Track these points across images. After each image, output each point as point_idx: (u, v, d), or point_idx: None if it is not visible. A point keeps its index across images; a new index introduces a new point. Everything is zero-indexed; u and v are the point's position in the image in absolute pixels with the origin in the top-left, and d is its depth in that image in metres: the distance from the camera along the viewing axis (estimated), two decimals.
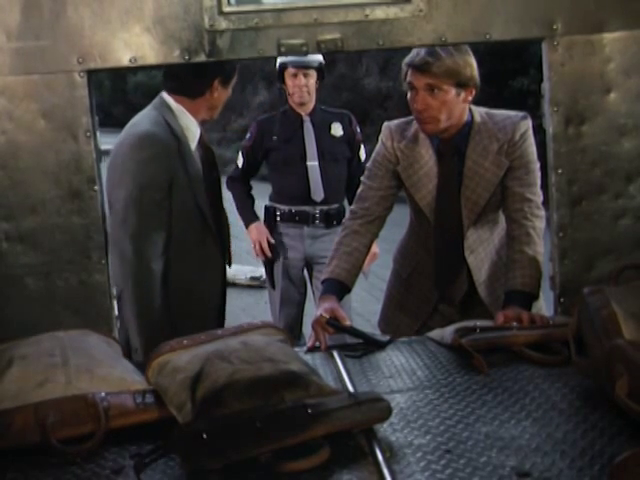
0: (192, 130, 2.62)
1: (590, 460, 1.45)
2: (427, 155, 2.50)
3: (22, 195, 2.17)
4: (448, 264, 2.58)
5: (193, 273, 2.61)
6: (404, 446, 1.56)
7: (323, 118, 4.13)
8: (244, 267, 7.65)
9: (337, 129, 4.14)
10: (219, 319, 2.75)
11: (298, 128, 4.08)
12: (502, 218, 2.53)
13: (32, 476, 1.53)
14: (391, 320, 2.73)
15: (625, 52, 2.23)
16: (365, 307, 5.73)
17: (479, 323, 2.18)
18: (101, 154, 2.26)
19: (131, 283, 2.45)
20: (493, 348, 2.06)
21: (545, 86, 2.29)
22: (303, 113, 4.09)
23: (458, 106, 2.41)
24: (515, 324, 2.15)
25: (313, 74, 4.04)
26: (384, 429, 1.63)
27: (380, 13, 2.15)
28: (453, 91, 2.37)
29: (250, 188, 4.23)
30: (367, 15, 2.15)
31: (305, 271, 4.20)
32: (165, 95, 2.63)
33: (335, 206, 4.10)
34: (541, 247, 2.39)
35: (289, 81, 4.02)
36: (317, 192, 4.04)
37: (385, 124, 2.60)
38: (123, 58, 2.14)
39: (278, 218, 4.10)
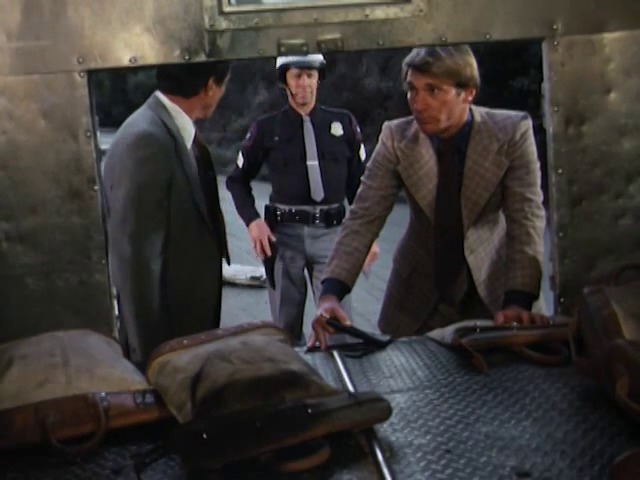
0: (187, 129, 2.63)
1: (590, 460, 1.45)
2: (427, 155, 2.50)
3: (22, 195, 2.17)
4: (448, 264, 2.58)
5: (191, 272, 2.61)
6: (404, 446, 1.56)
7: (323, 118, 4.13)
8: (244, 267, 7.66)
9: (337, 129, 4.14)
10: (215, 318, 2.74)
11: (298, 128, 4.08)
12: (502, 218, 2.54)
13: (32, 476, 1.53)
14: (391, 320, 2.73)
15: (625, 52, 2.23)
16: (365, 307, 5.73)
17: (479, 323, 2.18)
18: (101, 154, 2.26)
19: (130, 283, 2.45)
20: (493, 348, 2.06)
21: (545, 86, 2.28)
22: (303, 113, 4.09)
23: (458, 106, 2.41)
24: (515, 324, 2.15)
25: (315, 74, 4.04)
26: (384, 429, 1.63)
27: (380, 13, 2.15)
28: (453, 91, 2.37)
29: (250, 189, 4.23)
30: (367, 15, 2.15)
31: (305, 271, 4.20)
32: (160, 95, 2.63)
33: (335, 206, 4.10)
34: (541, 247, 2.39)
35: (292, 81, 4.02)
36: (317, 192, 4.04)
37: (385, 124, 2.61)
38: (123, 58, 2.14)
39: (278, 218, 4.10)
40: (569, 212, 2.29)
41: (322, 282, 2.51)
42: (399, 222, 2.79)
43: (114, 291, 2.37)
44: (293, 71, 3.99)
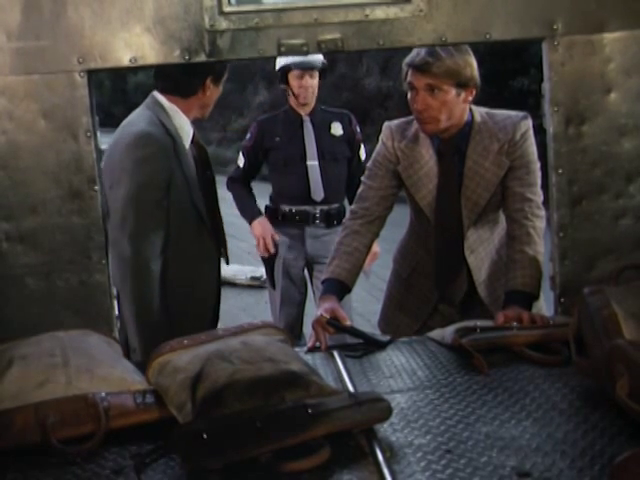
0: (185, 129, 2.63)
1: (590, 460, 1.45)
2: (427, 155, 2.50)
3: (22, 195, 2.17)
4: (448, 264, 2.58)
5: (190, 272, 2.61)
6: (404, 446, 1.56)
7: (323, 118, 4.14)
8: (244, 267, 7.66)
9: (337, 129, 4.14)
10: (214, 317, 2.75)
11: (298, 128, 4.09)
12: (502, 218, 2.54)
13: (32, 476, 1.53)
14: (391, 320, 2.73)
15: (625, 52, 2.23)
16: (365, 307, 5.73)
17: (479, 323, 2.18)
18: (101, 154, 2.26)
19: (130, 283, 2.46)
20: (493, 348, 2.06)
21: (545, 86, 2.28)
22: (303, 113, 4.09)
23: (458, 106, 2.41)
24: (515, 324, 2.15)
25: (316, 74, 4.05)
26: (384, 429, 1.63)
27: (380, 13, 2.15)
28: (453, 91, 2.37)
29: (251, 188, 4.23)
30: (367, 15, 2.15)
31: (305, 271, 4.20)
32: (157, 95, 2.63)
33: (335, 206, 4.10)
34: (541, 247, 2.39)
35: (294, 82, 4.02)
36: (317, 192, 4.04)
37: (385, 124, 2.61)
38: (123, 58, 2.14)
39: (279, 218, 4.10)
40: (569, 212, 2.29)
41: (322, 282, 2.51)
42: (399, 222, 2.79)
43: (114, 291, 2.37)
44: (295, 72, 4.00)
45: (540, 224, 2.41)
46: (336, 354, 2.16)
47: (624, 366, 1.55)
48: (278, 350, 1.75)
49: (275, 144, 4.08)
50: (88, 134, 2.16)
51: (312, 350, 2.26)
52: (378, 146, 2.58)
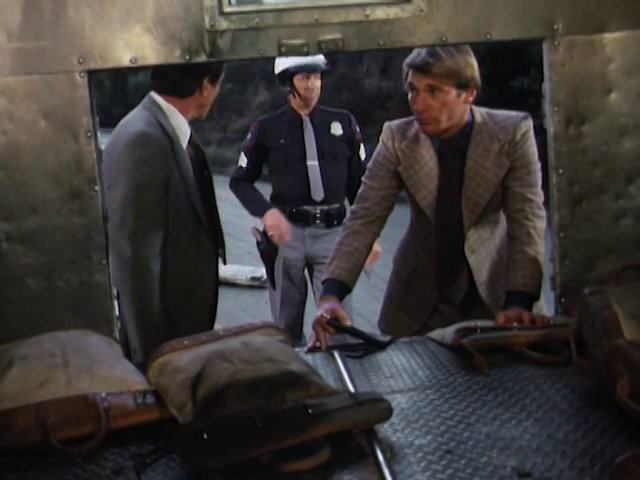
0: (183, 130, 2.63)
1: (591, 460, 1.45)
2: (428, 155, 2.50)
3: (23, 195, 2.17)
4: (449, 264, 2.58)
5: (188, 272, 2.61)
6: (405, 446, 1.56)
7: (323, 118, 4.14)
8: (244, 267, 7.66)
9: (337, 128, 4.15)
10: (211, 317, 2.75)
11: (298, 128, 4.09)
12: (503, 218, 2.53)
13: (33, 476, 1.53)
14: (391, 320, 2.73)
15: (626, 52, 2.23)
16: (366, 307, 5.73)
17: (480, 323, 2.18)
18: (102, 154, 2.26)
19: (129, 283, 2.46)
20: (494, 348, 2.06)
21: (546, 86, 2.28)
22: (303, 113, 4.10)
23: (459, 107, 2.41)
24: (516, 324, 2.15)
25: (319, 75, 4.07)
26: (385, 429, 1.63)
27: (381, 13, 2.15)
28: (454, 92, 2.37)
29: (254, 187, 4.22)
30: (368, 15, 2.15)
31: (306, 271, 4.20)
32: (155, 95, 2.63)
33: (335, 206, 4.10)
34: (542, 247, 2.39)
35: (301, 84, 4.02)
36: (317, 192, 4.04)
37: (386, 124, 2.61)
38: (124, 58, 2.14)
39: None
40: (570, 212, 2.29)
41: (322, 282, 2.51)
42: (399, 222, 2.79)
43: (115, 291, 2.37)
44: (301, 74, 4.00)
45: (540, 224, 2.41)
46: (336, 354, 2.16)
47: (624, 366, 1.55)
48: (278, 350, 1.75)
49: (275, 144, 4.08)
50: (88, 134, 2.16)
51: (312, 350, 2.26)
52: (378, 146, 2.58)
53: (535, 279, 2.34)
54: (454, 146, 2.49)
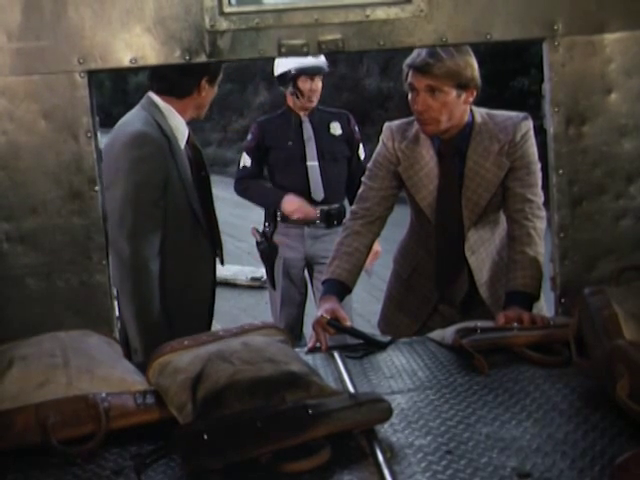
0: (181, 130, 2.63)
1: (591, 461, 1.45)
2: (428, 156, 2.50)
3: (23, 195, 2.17)
4: (449, 264, 2.58)
5: (185, 273, 2.61)
6: (405, 447, 1.56)
7: (321, 118, 4.15)
8: (245, 268, 7.66)
9: (336, 128, 4.15)
10: (208, 318, 2.75)
11: (297, 129, 4.10)
12: (503, 219, 2.54)
13: (33, 476, 1.54)
14: (391, 320, 2.73)
15: (626, 53, 2.23)
16: (366, 307, 5.73)
17: (480, 324, 2.18)
18: (102, 154, 2.26)
19: (129, 283, 2.46)
20: (494, 349, 2.06)
21: (546, 87, 2.28)
22: (302, 114, 4.10)
23: (459, 107, 2.41)
24: (516, 325, 2.15)
25: (321, 77, 4.08)
26: (385, 430, 1.63)
27: (381, 13, 2.15)
28: (454, 92, 2.37)
29: None
30: (368, 15, 2.15)
31: (306, 271, 4.20)
32: (153, 95, 2.63)
33: (335, 206, 4.10)
34: (542, 248, 2.39)
35: (305, 85, 4.03)
36: (317, 192, 4.04)
37: (386, 124, 2.61)
38: (124, 59, 2.14)
39: (279, 218, 4.10)
40: (570, 213, 2.29)
41: (323, 283, 2.52)
42: (400, 222, 2.79)
43: (115, 292, 2.37)
44: (305, 76, 4.01)
45: (541, 225, 2.41)
46: (336, 355, 2.16)
47: (624, 366, 1.55)
48: (278, 351, 1.75)
49: (275, 145, 4.09)
50: (88, 134, 2.16)
51: (312, 351, 2.26)
52: (378, 147, 2.58)
53: (535, 279, 2.34)
54: (454, 146, 2.49)
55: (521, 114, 2.49)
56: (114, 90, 23.04)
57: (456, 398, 1.80)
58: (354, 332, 2.34)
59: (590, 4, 2.19)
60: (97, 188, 2.19)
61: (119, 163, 2.49)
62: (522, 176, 2.43)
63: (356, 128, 4.24)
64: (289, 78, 4.03)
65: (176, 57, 2.15)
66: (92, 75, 2.16)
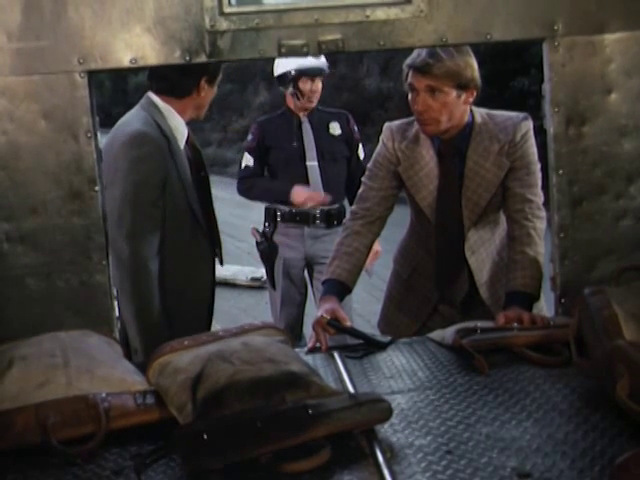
0: (180, 130, 2.63)
1: (591, 461, 1.45)
2: (428, 156, 2.50)
3: (23, 196, 2.17)
4: (449, 265, 2.58)
5: (185, 272, 2.61)
6: (405, 447, 1.56)
7: (321, 118, 4.15)
8: (244, 268, 7.65)
9: (335, 128, 4.16)
10: (208, 318, 2.75)
11: (297, 129, 4.10)
12: (503, 219, 2.53)
13: (33, 476, 1.54)
14: (391, 321, 2.73)
15: (626, 53, 2.23)
16: (366, 308, 5.73)
17: (480, 324, 2.18)
18: (102, 154, 2.26)
19: (129, 283, 2.46)
20: (494, 349, 2.06)
21: (546, 87, 2.28)
22: (301, 114, 4.10)
23: (459, 107, 2.41)
24: (516, 325, 2.15)
25: (321, 77, 4.08)
26: (385, 430, 1.63)
27: (381, 14, 2.15)
28: (454, 93, 2.37)
29: None
30: (368, 16, 2.15)
31: (306, 271, 4.20)
32: (152, 95, 2.63)
33: (335, 206, 4.10)
34: (542, 248, 2.39)
35: (306, 86, 4.03)
36: (317, 192, 4.04)
37: (386, 125, 2.61)
38: (124, 59, 2.14)
39: (279, 218, 4.10)
40: (570, 213, 2.29)
41: (323, 283, 2.52)
42: (400, 223, 2.79)
43: (115, 292, 2.37)
44: (306, 77, 4.01)
45: (541, 225, 2.41)
46: (336, 355, 2.16)
47: (624, 367, 1.55)
48: (278, 351, 1.75)
49: (275, 145, 4.09)
50: (88, 135, 2.16)
51: (312, 351, 2.26)
52: (378, 147, 2.58)
53: (535, 279, 2.34)
54: (454, 147, 2.49)
55: (521, 114, 2.49)
56: (114, 90, 23.03)
57: (456, 398, 1.80)
58: (354, 332, 2.34)
59: (590, 4, 2.19)
60: (97, 188, 2.19)
61: (118, 163, 2.49)
62: (522, 176, 2.43)
63: (355, 128, 4.24)
64: (289, 79, 4.03)
65: (176, 57, 2.15)
66: (92, 75, 2.16)
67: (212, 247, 2.73)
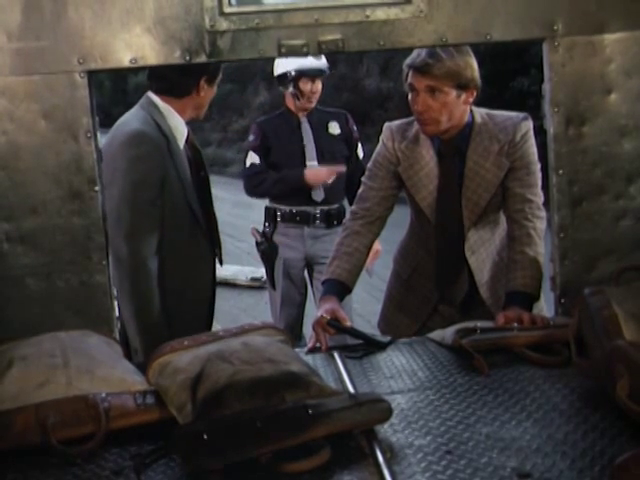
0: (180, 130, 2.63)
1: (591, 461, 1.45)
2: (428, 156, 2.50)
3: (23, 196, 2.17)
4: (449, 265, 2.58)
5: (185, 272, 2.61)
6: (405, 447, 1.56)
7: (320, 118, 4.16)
8: (244, 268, 7.66)
9: (334, 128, 4.16)
10: (208, 318, 2.75)
11: (296, 129, 4.11)
12: (503, 219, 2.53)
13: (32, 476, 1.54)
14: (391, 321, 2.73)
15: (626, 53, 2.23)
16: (366, 308, 5.73)
17: (480, 324, 2.18)
18: (101, 154, 2.26)
19: (128, 283, 2.46)
20: (494, 349, 2.06)
21: (546, 87, 2.28)
22: (300, 114, 4.11)
23: (459, 107, 2.41)
24: (516, 325, 2.15)
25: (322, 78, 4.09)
26: (385, 430, 1.63)
27: (381, 14, 2.15)
28: (454, 93, 2.37)
29: None
30: (368, 16, 2.15)
31: (306, 271, 4.20)
32: (152, 95, 2.64)
33: (335, 206, 4.11)
34: (542, 248, 2.39)
35: (306, 87, 4.04)
36: (317, 192, 4.05)
37: (386, 125, 2.61)
38: (124, 59, 2.14)
39: (279, 218, 4.10)
40: (570, 213, 2.29)
41: (322, 283, 2.52)
42: (399, 223, 2.79)
43: (115, 292, 2.37)
44: (307, 77, 4.01)
45: (540, 225, 2.41)
46: (336, 355, 2.16)
47: (624, 367, 1.55)
48: (278, 351, 1.75)
49: (275, 145, 4.09)
50: (88, 135, 2.16)
51: (312, 351, 2.26)
52: (378, 147, 2.58)
53: (535, 280, 2.34)
54: (454, 147, 2.49)
55: (521, 114, 2.49)
56: (114, 90, 23.04)
57: (456, 398, 1.80)
58: (354, 332, 2.34)
59: (590, 4, 2.19)
60: (97, 188, 2.19)
61: (117, 162, 2.49)
62: (522, 176, 2.43)
63: (354, 127, 4.25)
64: (290, 79, 4.03)
65: (176, 57, 2.15)
66: (92, 75, 2.16)
67: (212, 247, 2.73)
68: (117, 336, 2.29)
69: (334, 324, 2.30)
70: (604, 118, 2.26)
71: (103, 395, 1.66)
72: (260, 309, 6.45)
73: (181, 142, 2.63)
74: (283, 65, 4.02)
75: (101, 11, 2.11)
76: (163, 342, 1.86)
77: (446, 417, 1.70)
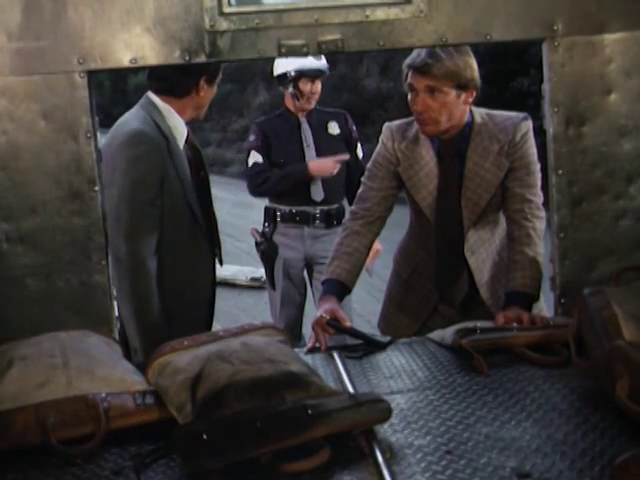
0: (180, 129, 2.63)
1: (590, 461, 1.45)
2: (428, 156, 2.50)
3: (22, 196, 2.17)
4: (449, 265, 2.58)
5: (185, 272, 2.61)
6: (404, 447, 1.56)
7: (319, 118, 4.16)
8: (244, 268, 7.65)
9: (334, 128, 4.16)
10: (208, 318, 2.75)
11: (296, 129, 4.11)
12: (503, 219, 2.53)
13: (32, 476, 1.54)
14: (391, 321, 2.73)
15: (626, 53, 2.23)
16: (365, 308, 5.73)
17: (479, 324, 2.18)
18: (101, 154, 2.26)
19: (127, 283, 2.46)
20: (494, 349, 2.06)
21: (545, 87, 2.28)
22: (300, 114, 4.11)
23: (458, 108, 2.41)
24: (515, 325, 2.15)
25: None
26: (384, 430, 1.63)
27: (381, 14, 2.15)
28: (453, 93, 2.37)
29: None
30: (368, 16, 2.15)
31: (305, 271, 4.20)
32: (152, 95, 2.64)
33: (335, 206, 4.11)
34: (541, 248, 2.39)
35: (306, 87, 4.04)
36: (317, 192, 4.05)
37: (386, 125, 2.61)
38: (124, 59, 2.14)
39: (278, 219, 4.10)
40: (569, 213, 2.29)
41: (322, 283, 2.52)
42: (400, 223, 2.79)
43: (114, 292, 2.37)
44: (307, 77, 4.02)
45: (540, 225, 2.41)
46: (336, 355, 2.16)
47: (624, 367, 1.55)
48: (278, 351, 1.75)
49: (274, 145, 4.09)
50: (88, 135, 2.16)
51: (312, 351, 2.26)
52: (378, 147, 2.58)
53: (535, 280, 2.34)
54: (454, 147, 2.49)
55: (521, 114, 2.49)
56: (114, 90, 23.03)
57: (456, 398, 1.80)
58: (354, 332, 2.34)
59: (590, 4, 2.19)
60: (97, 188, 2.19)
61: (116, 162, 2.49)
62: (521, 176, 2.43)
63: (354, 127, 4.25)
64: (289, 79, 4.03)
65: (176, 57, 2.15)
66: (92, 75, 2.16)
67: (212, 247, 2.73)
68: (117, 336, 2.29)
69: (334, 324, 2.30)
70: (604, 118, 2.26)
71: (103, 395, 1.66)
72: (260, 309, 6.45)
73: (181, 142, 2.64)
74: (283, 65, 4.02)
75: (101, 11, 2.11)
76: (163, 342, 1.86)
77: (446, 417, 1.70)
